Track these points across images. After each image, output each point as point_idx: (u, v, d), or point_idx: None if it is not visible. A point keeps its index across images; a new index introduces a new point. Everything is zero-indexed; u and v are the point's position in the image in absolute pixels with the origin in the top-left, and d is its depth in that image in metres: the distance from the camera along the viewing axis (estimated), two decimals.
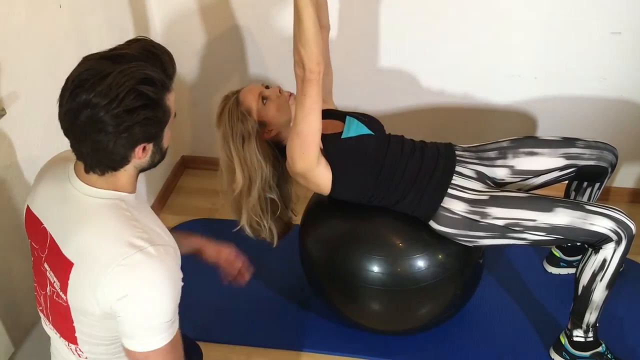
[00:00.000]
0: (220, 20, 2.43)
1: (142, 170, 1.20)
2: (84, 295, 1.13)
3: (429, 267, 1.78)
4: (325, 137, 1.73)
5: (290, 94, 1.83)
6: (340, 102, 2.54)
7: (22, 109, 1.65)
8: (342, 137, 1.78)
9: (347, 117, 1.86)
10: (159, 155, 1.19)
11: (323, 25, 1.95)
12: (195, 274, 2.30)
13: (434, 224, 1.78)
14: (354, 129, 1.81)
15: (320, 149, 1.71)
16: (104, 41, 2.08)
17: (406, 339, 2.03)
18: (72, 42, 1.88)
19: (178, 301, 1.17)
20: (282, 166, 1.84)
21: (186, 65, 2.56)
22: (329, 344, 2.04)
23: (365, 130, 1.82)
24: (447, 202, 1.75)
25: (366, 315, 1.94)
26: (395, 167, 1.78)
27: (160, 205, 2.63)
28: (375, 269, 1.78)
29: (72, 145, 1.12)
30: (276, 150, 1.83)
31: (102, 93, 1.03)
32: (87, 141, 1.08)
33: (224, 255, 1.65)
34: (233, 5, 2.38)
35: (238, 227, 1.90)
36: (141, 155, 1.13)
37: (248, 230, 1.89)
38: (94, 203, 1.15)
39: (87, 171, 1.15)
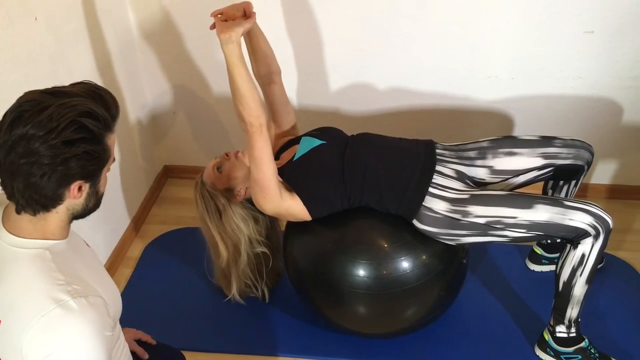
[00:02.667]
0: (199, 27, 2.43)
1: (76, 216, 1.15)
2: (14, 352, 1.08)
3: (413, 269, 1.79)
4: (281, 169, 1.81)
5: (237, 152, 1.94)
6: (321, 104, 2.56)
7: None
8: (294, 159, 1.84)
9: (302, 138, 1.92)
10: (94, 199, 1.15)
11: (274, 71, 2.03)
12: (181, 283, 2.31)
13: (417, 223, 1.79)
14: (305, 146, 1.87)
15: (281, 182, 1.78)
16: (81, 53, 2.08)
17: (392, 341, 2.04)
18: (48, 55, 1.87)
19: (109, 354, 1.12)
20: (262, 220, 1.97)
21: (166, 73, 2.56)
22: (317, 349, 2.04)
23: (315, 142, 1.87)
24: (429, 201, 1.77)
25: (353, 319, 1.94)
26: (360, 164, 1.80)
27: (143, 215, 2.62)
28: (361, 273, 1.79)
29: (2, 183, 1.07)
30: (253, 206, 1.91)
31: (40, 124, 1.00)
32: (19, 176, 1.03)
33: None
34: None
35: (227, 298, 2.05)
36: (76, 194, 1.09)
37: (237, 298, 2.05)
38: (17, 254, 1.10)
39: (18, 211, 1.10)
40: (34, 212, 1.09)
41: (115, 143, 1.15)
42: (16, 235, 1.11)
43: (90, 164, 1.07)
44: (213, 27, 1.62)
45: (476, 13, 2.25)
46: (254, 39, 1.95)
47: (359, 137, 1.92)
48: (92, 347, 1.07)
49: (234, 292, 2.00)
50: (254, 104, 1.58)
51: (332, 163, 1.81)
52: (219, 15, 1.63)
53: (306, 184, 1.79)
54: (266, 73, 2.01)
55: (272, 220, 2.03)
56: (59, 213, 1.11)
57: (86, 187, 1.11)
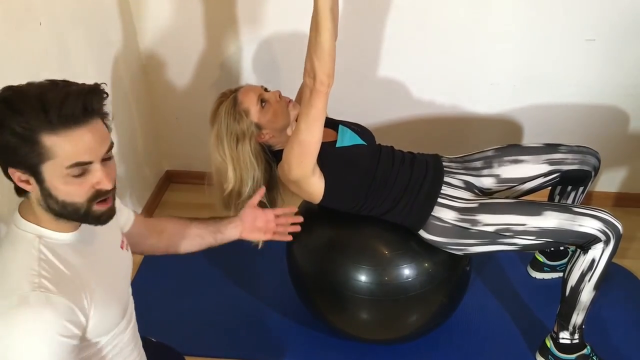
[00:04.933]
0: (205, 34, 2.44)
1: (55, 213, 1.11)
2: None
3: (417, 276, 1.78)
4: (321, 146, 1.70)
5: (290, 100, 1.81)
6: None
7: None
8: (337, 146, 1.78)
9: (340, 126, 1.86)
10: (54, 202, 1.09)
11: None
12: (183, 288, 2.30)
13: (424, 233, 1.79)
14: (347, 138, 1.81)
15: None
16: (86, 58, 2.08)
17: (394, 348, 2.04)
18: (53, 59, 1.87)
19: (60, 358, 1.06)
20: (272, 170, 1.83)
21: (169, 78, 2.57)
22: (317, 355, 2.04)
23: (358, 140, 1.82)
24: (437, 211, 1.76)
25: (354, 324, 1.93)
26: (386, 177, 1.78)
27: None
28: (363, 278, 1.78)
29: None
30: (268, 153, 1.81)
31: None
32: None
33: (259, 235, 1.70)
34: (217, 21, 2.40)
35: None
36: (21, 183, 1.09)
37: None
38: (15, 233, 1.13)
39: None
40: (18, 195, 1.14)
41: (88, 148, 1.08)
42: (20, 216, 1.15)
43: (8, 154, 1.06)
44: None
45: (479, 21, 2.26)
46: None
47: (386, 151, 1.86)
48: (35, 345, 1.03)
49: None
50: (330, 60, 1.52)
51: (368, 170, 1.77)
52: None
53: (339, 175, 1.74)
54: None
55: (275, 178, 1.88)
56: (33, 202, 1.13)
57: (32, 181, 1.09)
